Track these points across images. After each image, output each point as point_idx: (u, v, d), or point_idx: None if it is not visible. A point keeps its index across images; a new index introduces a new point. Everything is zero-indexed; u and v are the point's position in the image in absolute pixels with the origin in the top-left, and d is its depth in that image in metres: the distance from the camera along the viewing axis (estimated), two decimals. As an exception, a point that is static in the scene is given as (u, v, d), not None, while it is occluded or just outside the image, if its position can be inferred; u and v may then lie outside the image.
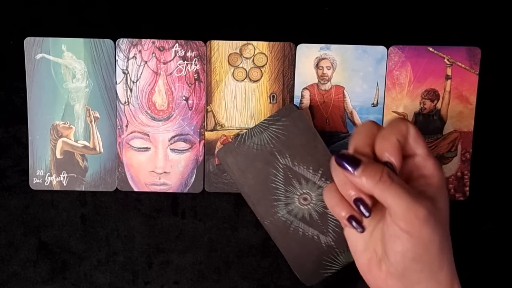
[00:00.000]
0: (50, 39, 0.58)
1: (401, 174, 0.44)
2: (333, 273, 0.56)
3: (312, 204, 0.55)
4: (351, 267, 0.56)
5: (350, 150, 0.44)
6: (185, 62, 0.59)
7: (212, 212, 0.60)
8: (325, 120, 0.59)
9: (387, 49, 0.58)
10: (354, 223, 0.44)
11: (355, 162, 0.42)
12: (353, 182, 0.43)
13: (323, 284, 0.56)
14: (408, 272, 0.43)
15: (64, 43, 0.58)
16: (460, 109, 0.59)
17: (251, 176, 0.55)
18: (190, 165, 0.60)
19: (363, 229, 0.45)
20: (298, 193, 0.55)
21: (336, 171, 0.44)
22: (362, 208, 0.43)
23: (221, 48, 0.58)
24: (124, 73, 0.59)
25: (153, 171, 0.60)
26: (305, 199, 0.55)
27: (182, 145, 0.60)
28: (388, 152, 0.43)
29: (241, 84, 0.59)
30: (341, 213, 0.45)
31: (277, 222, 0.55)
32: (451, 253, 0.44)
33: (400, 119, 0.45)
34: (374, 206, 0.44)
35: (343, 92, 0.59)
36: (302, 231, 0.55)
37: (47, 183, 0.60)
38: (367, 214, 0.43)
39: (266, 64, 0.59)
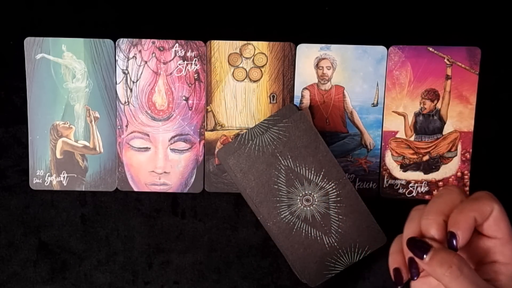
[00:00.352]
0: (50, 39, 0.58)
1: (473, 255, 0.43)
2: (337, 274, 0.56)
3: (314, 205, 0.55)
4: (353, 267, 0.56)
5: (425, 213, 0.43)
6: (185, 62, 0.58)
7: (212, 212, 0.60)
8: (325, 120, 0.59)
9: (387, 49, 0.58)
10: (396, 277, 0.44)
11: (424, 248, 0.41)
12: (422, 266, 0.41)
13: (324, 284, 0.56)
14: None
15: (64, 43, 0.58)
16: (460, 109, 0.59)
17: (253, 178, 0.55)
18: (190, 165, 0.60)
19: (400, 286, 0.44)
20: (301, 195, 0.55)
21: (407, 224, 0.44)
22: (413, 269, 0.42)
23: (221, 48, 0.58)
24: (124, 73, 0.59)
25: (153, 171, 0.60)
26: (307, 200, 0.55)
27: (182, 145, 0.60)
28: (458, 227, 0.41)
29: (241, 84, 0.59)
30: (393, 262, 0.44)
31: (280, 224, 0.55)
32: None
33: (487, 195, 0.42)
34: None
35: (343, 92, 0.59)
36: (305, 232, 0.55)
37: (47, 183, 0.60)
38: (415, 277, 0.43)
39: (266, 64, 0.59)
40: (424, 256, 0.40)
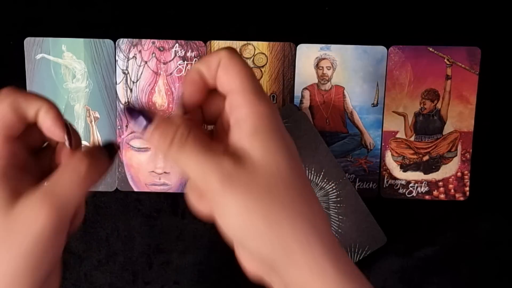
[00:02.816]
0: (50, 39, 0.58)
1: (218, 122, 0.37)
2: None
3: (314, 206, 0.55)
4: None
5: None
6: (185, 62, 0.58)
7: (212, 212, 0.60)
8: (325, 120, 0.59)
9: (387, 49, 0.58)
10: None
11: (147, 118, 0.34)
12: (146, 142, 0.35)
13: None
14: (246, 236, 0.34)
15: (64, 43, 0.58)
16: (460, 109, 0.59)
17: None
18: (190, 165, 0.60)
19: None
20: (300, 194, 0.55)
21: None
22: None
23: (221, 48, 0.58)
24: (124, 73, 0.59)
25: (153, 171, 0.60)
26: (307, 200, 0.55)
27: (182, 145, 0.60)
28: (182, 85, 0.35)
29: (241, 84, 0.59)
30: None
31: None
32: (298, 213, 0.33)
33: (221, 49, 0.35)
34: None
35: (343, 92, 0.59)
36: None
37: (47, 183, 0.60)
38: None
39: (266, 64, 0.59)
40: (145, 129, 0.34)
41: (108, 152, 0.38)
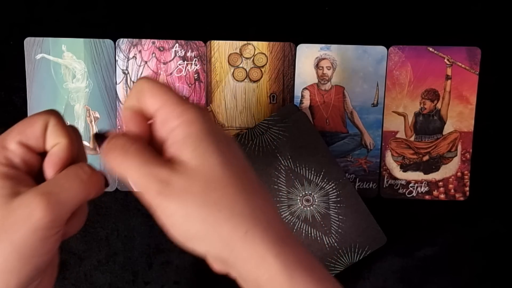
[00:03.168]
0: (50, 39, 0.58)
1: (154, 141, 0.38)
2: (337, 274, 0.56)
3: (314, 206, 0.55)
4: (353, 267, 0.56)
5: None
6: (185, 62, 0.58)
7: (212, 212, 0.60)
8: (325, 120, 0.59)
9: (387, 49, 0.58)
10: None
11: (101, 138, 0.37)
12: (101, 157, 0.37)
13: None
14: (192, 241, 0.35)
15: (64, 43, 0.58)
16: (460, 109, 0.59)
17: (253, 178, 0.55)
18: (190, 165, 0.60)
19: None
20: (301, 195, 0.55)
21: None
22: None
23: (221, 48, 0.58)
24: (124, 73, 0.59)
25: (153, 171, 0.60)
26: (307, 200, 0.55)
27: (182, 145, 0.60)
28: (124, 123, 0.38)
29: (241, 84, 0.59)
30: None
31: (280, 224, 0.55)
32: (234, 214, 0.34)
33: (142, 79, 0.37)
34: None
35: (343, 92, 0.59)
36: (305, 232, 0.55)
37: (47, 183, 0.60)
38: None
39: (266, 64, 0.59)
40: (100, 147, 0.37)
41: (105, 178, 0.40)
